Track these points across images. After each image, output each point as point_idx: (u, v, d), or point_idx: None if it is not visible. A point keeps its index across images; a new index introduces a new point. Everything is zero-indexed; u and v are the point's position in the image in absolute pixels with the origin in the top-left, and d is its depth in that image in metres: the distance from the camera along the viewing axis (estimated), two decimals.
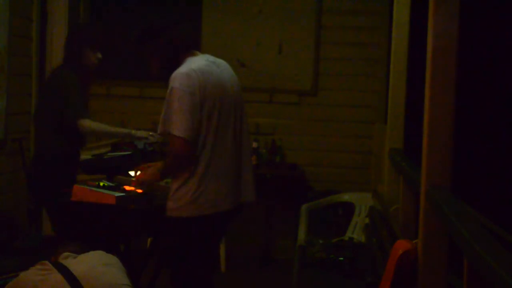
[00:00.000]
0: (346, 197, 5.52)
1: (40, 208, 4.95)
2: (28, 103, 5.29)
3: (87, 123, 4.04)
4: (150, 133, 4.16)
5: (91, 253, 2.98)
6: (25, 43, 5.29)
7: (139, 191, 3.52)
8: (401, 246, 2.65)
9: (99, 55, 4.17)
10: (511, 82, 5.06)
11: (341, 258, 3.91)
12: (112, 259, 2.97)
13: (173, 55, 3.32)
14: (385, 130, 4.47)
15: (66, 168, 4.12)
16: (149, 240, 4.97)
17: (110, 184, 3.65)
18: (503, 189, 4.87)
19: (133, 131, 4.17)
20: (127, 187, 3.59)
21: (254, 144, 5.92)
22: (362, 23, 6.00)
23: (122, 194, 3.46)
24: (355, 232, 4.90)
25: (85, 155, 4.32)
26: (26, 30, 5.28)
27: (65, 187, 3.67)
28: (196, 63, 3.25)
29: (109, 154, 4.31)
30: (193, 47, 3.39)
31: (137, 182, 3.52)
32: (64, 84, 4.04)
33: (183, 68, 3.21)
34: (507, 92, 5.12)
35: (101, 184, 3.62)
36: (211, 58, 3.37)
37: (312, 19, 6.03)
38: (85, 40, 4.15)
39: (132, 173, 3.84)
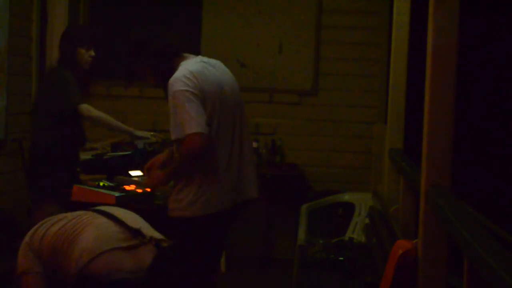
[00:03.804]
0: (346, 197, 5.52)
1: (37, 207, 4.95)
2: (28, 103, 5.28)
3: (88, 107, 4.06)
4: (152, 133, 4.16)
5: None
6: (25, 43, 5.28)
7: (148, 190, 3.54)
8: (401, 246, 2.65)
9: (92, 53, 4.19)
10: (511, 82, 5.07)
11: (341, 258, 3.91)
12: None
13: (165, 63, 3.31)
14: (385, 130, 4.47)
15: (65, 165, 4.11)
16: None
17: (110, 184, 3.65)
18: (503, 189, 4.87)
19: (135, 131, 4.18)
20: (127, 187, 3.60)
21: (254, 144, 5.92)
22: (362, 23, 6.00)
23: (122, 194, 3.47)
24: (355, 232, 4.89)
25: (85, 155, 4.32)
26: (26, 30, 5.28)
27: (64, 185, 3.67)
28: (191, 65, 3.24)
29: (109, 154, 4.32)
30: (182, 50, 3.38)
31: (146, 185, 3.53)
32: (59, 80, 4.07)
33: (180, 72, 3.20)
34: (507, 92, 5.12)
35: (101, 184, 3.63)
36: (205, 59, 3.36)
37: (312, 19, 6.03)
38: (78, 39, 4.17)
39: (132, 173, 3.84)
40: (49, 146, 4.09)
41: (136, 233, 2.93)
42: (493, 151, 5.21)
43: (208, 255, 3.33)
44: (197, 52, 3.69)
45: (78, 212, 3.07)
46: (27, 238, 3.06)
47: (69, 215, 3.06)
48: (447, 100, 2.44)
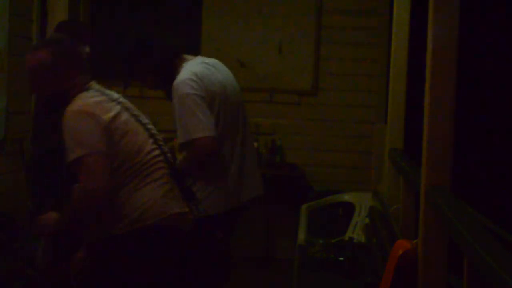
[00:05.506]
0: (346, 197, 5.52)
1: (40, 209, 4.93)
2: (28, 103, 5.28)
3: None
4: None
5: None
6: (25, 43, 5.28)
7: None
8: (401, 246, 2.65)
9: (87, 49, 4.14)
10: None
11: (341, 258, 3.91)
12: None
13: (167, 66, 3.31)
14: (385, 130, 4.47)
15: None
16: None
17: None
18: (503, 190, 4.87)
19: None
20: None
21: (254, 144, 5.92)
22: (362, 23, 6.00)
23: None
24: (355, 232, 4.89)
25: None
26: (26, 30, 5.27)
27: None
28: (194, 67, 3.24)
29: None
30: (181, 51, 3.38)
31: None
32: None
33: (184, 75, 3.19)
34: (508, 92, 5.12)
35: None
36: (205, 59, 3.36)
37: (312, 19, 6.03)
38: (71, 36, 4.09)
39: None
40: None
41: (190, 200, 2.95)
42: (493, 151, 5.21)
43: (213, 255, 3.32)
44: (196, 52, 3.70)
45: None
46: (101, 118, 2.80)
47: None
48: (447, 100, 2.44)
